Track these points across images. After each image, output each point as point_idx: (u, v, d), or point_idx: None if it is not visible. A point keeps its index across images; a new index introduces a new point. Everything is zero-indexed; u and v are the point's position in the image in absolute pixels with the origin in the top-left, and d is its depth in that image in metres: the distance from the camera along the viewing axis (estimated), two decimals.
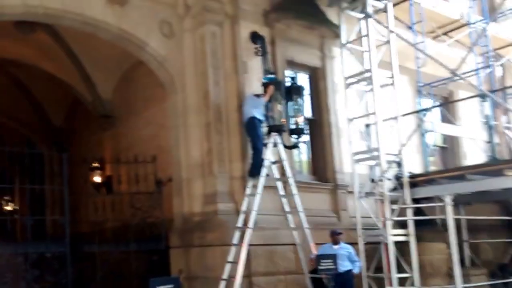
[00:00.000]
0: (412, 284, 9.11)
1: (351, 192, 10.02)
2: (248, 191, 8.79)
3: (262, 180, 8.67)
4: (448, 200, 8.98)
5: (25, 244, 9.39)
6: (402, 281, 9.09)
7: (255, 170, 8.81)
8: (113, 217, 12.62)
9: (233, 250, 8.39)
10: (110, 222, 12.51)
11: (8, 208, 19.76)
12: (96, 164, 13.04)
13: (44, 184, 15.45)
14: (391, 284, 8.91)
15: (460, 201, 9.80)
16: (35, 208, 15.92)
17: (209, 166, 9.40)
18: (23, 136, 17.38)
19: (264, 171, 8.74)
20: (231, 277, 8.16)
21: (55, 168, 13.61)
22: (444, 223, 9.11)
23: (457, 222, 9.92)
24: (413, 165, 10.75)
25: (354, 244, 9.09)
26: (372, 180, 9.58)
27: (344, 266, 8.35)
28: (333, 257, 7.93)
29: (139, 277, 9.64)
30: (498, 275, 10.30)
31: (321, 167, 10.64)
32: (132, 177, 10.70)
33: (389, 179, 9.51)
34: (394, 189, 9.57)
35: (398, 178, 9.64)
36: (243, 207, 8.70)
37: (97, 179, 13.21)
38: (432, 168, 12.05)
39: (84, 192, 13.53)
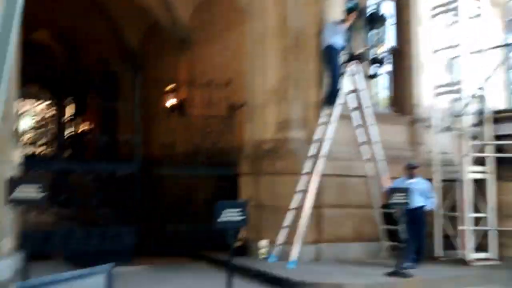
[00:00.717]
0: (487, 225, 8.79)
1: (429, 127, 9.60)
2: (323, 119, 8.59)
3: (337, 109, 8.43)
4: None
5: (95, 163, 9.45)
6: (476, 221, 8.79)
7: (331, 98, 8.57)
8: (184, 140, 12.81)
9: (303, 179, 8.29)
10: (180, 146, 12.73)
11: (82, 128, 20.52)
12: (170, 87, 13.14)
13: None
14: (464, 224, 8.63)
15: None
16: (108, 128, 16.52)
17: (284, 92, 9.17)
18: (99, 57, 17.71)
19: (340, 100, 8.47)
20: (300, 207, 8.10)
21: (128, 88, 13.84)
22: None
23: None
24: (497, 101, 10.10)
25: (429, 180, 8.79)
26: (453, 115, 9.11)
27: (417, 201, 8.06)
28: (406, 191, 7.60)
29: (207, 203, 9.83)
30: None
31: (400, 99, 10.23)
32: (205, 101, 10.67)
33: (470, 114, 9.04)
34: (475, 125, 9.12)
35: (479, 113, 9.17)
36: (316, 136, 8.52)
37: (171, 102, 13.35)
38: None
39: (156, 114, 13.73)
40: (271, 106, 9.42)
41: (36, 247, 6.99)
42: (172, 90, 13.27)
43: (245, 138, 10.03)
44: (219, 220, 5.73)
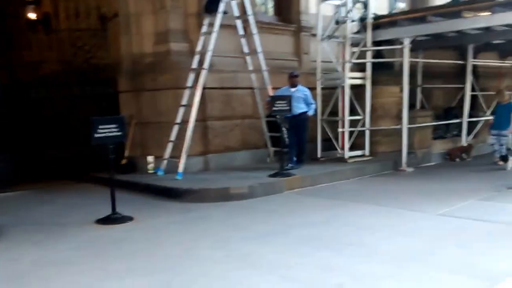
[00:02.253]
0: (363, 126, 10.19)
1: (314, 35, 10.45)
2: (204, 29, 8.85)
3: (219, 17, 8.71)
4: (407, 42, 9.64)
5: None
6: (354, 123, 10.13)
7: (212, 5, 8.80)
8: (53, 58, 12.47)
9: (186, 93, 8.70)
10: (49, 65, 12.42)
11: None
12: None
13: None
14: (343, 126, 9.90)
15: (419, 46, 10.57)
16: None
17: (161, 0, 9.18)
18: None
19: (222, 7, 8.73)
20: (185, 121, 8.56)
21: None
22: (401, 67, 9.86)
23: (414, 68, 10.76)
24: (379, 8, 11.15)
25: (312, 88, 9.81)
26: (337, 22, 10.02)
27: (299, 108, 8.97)
28: (288, 98, 8.43)
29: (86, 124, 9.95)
30: (443, 118, 11.56)
31: (286, 7, 10.84)
32: (73, 13, 10.44)
33: (353, 21, 10.01)
34: (357, 32, 10.15)
35: (362, 19, 10.17)
36: (198, 47, 8.82)
37: (32, 15, 12.85)
38: None
39: (17, 31, 13.10)
40: (147, 15, 9.38)
41: None
42: (32, 2, 12.76)
43: (122, 52, 9.89)
44: (96, 135, 6.07)
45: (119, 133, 6.30)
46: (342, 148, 9.97)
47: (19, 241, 5.60)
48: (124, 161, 9.27)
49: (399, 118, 10.01)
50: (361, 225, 5.81)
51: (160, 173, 8.86)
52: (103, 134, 6.14)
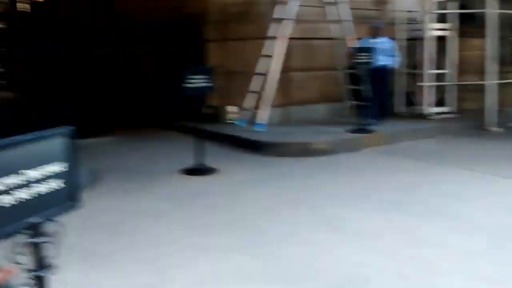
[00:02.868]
0: (447, 81, 9.04)
1: None
2: None
3: None
4: None
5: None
6: (438, 77, 9.01)
7: None
8: (144, 7, 12.15)
9: (270, 43, 8.14)
10: (140, 13, 12.10)
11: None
12: None
13: None
14: (424, 80, 8.84)
15: None
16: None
17: None
18: None
19: None
20: (268, 72, 8.03)
21: None
22: (486, 18, 8.57)
23: (500, 19, 9.36)
24: None
25: (393, 39, 8.77)
26: None
27: (381, 60, 8.03)
28: (370, 50, 7.61)
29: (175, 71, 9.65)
30: None
31: None
32: None
33: None
34: None
35: None
36: None
37: None
38: None
39: None
40: None
41: None
42: None
43: (209, 2, 9.50)
44: (186, 86, 5.74)
45: (208, 84, 5.97)
46: (424, 104, 8.89)
47: (110, 189, 5.32)
48: (210, 111, 8.80)
49: (485, 73, 8.76)
50: (450, 191, 4.99)
51: (241, 124, 8.33)
52: (194, 85, 5.81)
